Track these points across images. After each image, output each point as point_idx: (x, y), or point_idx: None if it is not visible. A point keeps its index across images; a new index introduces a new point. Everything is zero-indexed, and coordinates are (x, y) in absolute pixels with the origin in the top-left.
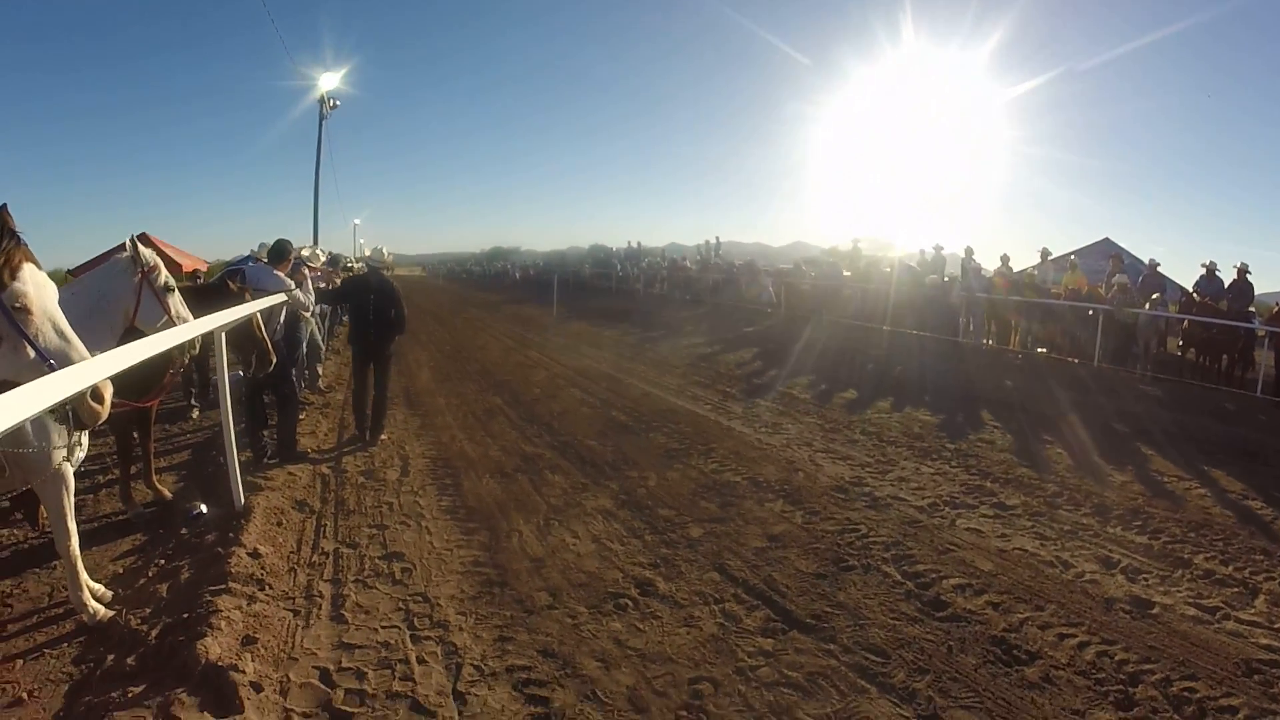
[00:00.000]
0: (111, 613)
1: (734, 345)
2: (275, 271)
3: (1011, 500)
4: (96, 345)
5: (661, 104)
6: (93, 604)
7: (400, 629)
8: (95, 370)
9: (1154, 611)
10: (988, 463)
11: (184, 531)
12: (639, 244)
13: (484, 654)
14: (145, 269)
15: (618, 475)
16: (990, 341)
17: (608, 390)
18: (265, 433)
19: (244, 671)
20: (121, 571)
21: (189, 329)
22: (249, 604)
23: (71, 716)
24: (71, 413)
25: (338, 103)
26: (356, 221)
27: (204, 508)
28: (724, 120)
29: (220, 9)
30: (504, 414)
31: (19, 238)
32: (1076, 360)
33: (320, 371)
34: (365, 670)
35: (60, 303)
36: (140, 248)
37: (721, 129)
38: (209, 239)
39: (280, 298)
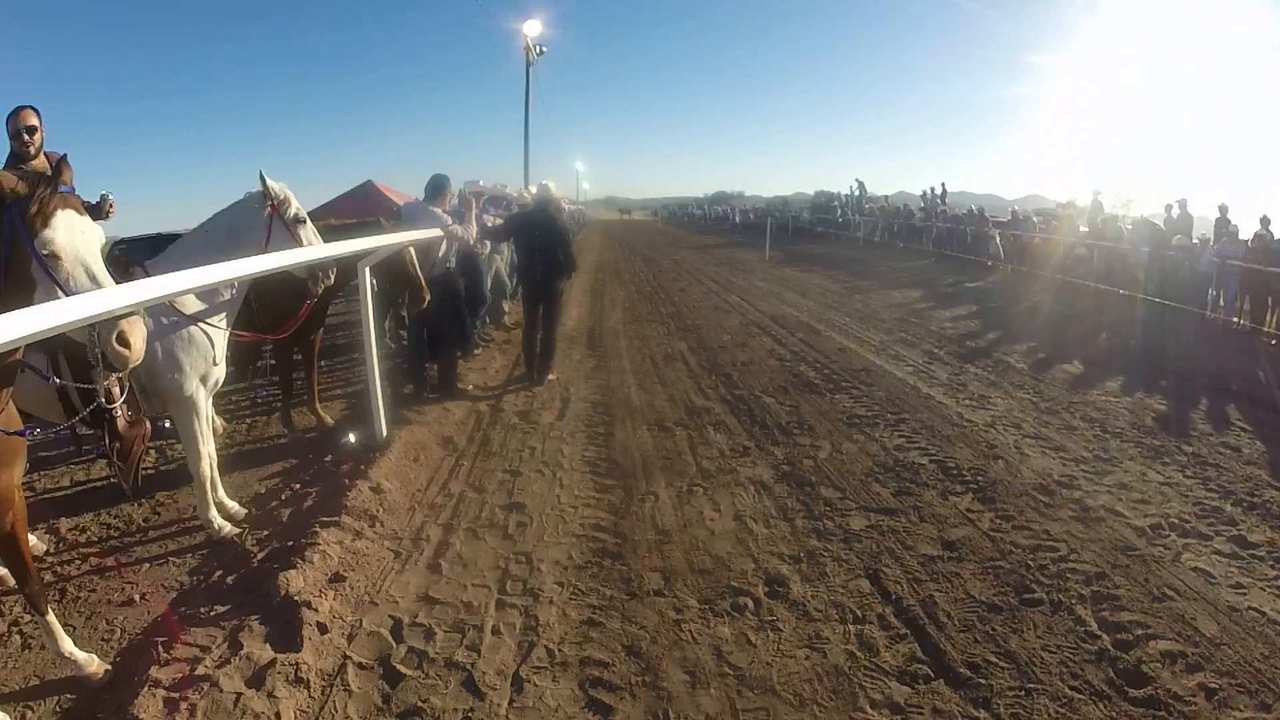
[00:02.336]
0: (237, 531)
1: (950, 301)
2: (431, 208)
3: (1256, 535)
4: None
5: (893, 46)
6: (219, 521)
7: (489, 590)
8: (81, 306)
9: None
10: (1230, 477)
11: (327, 459)
12: (860, 184)
13: (563, 637)
14: (275, 202)
15: (787, 441)
16: (1242, 321)
17: (801, 342)
18: (429, 367)
19: (317, 610)
20: (264, 492)
21: (267, 259)
22: (353, 539)
23: (164, 624)
24: (102, 356)
25: (544, 49)
26: (579, 166)
27: (353, 437)
28: (960, 60)
29: None
30: (684, 361)
31: (58, 186)
32: None
33: (506, 308)
34: (436, 630)
35: (194, 242)
36: (269, 180)
37: (958, 70)
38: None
39: (434, 232)
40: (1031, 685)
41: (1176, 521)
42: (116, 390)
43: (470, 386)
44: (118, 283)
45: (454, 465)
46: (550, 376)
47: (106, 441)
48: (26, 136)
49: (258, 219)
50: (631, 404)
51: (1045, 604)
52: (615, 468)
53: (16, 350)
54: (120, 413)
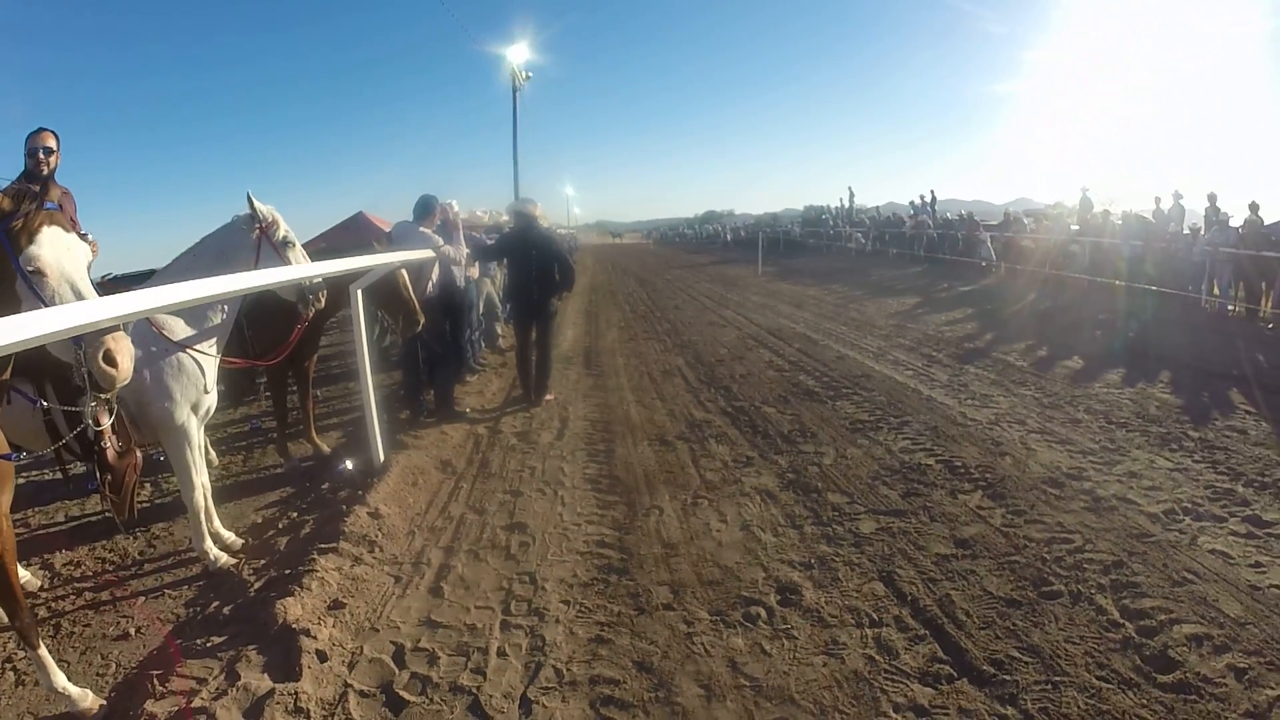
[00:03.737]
0: (233, 561)
1: (946, 305)
2: (421, 229)
3: (1270, 514)
4: (217, 304)
5: (874, 54)
6: (214, 551)
7: (494, 611)
8: (60, 317)
9: None
10: (1239, 459)
11: (324, 487)
12: (851, 192)
13: (571, 656)
14: (263, 224)
15: (790, 449)
16: (1237, 308)
17: (799, 352)
18: (425, 392)
19: (316, 638)
20: (260, 522)
21: (254, 276)
22: (352, 565)
23: (161, 656)
24: (89, 376)
25: (530, 74)
26: (569, 191)
27: (350, 464)
28: (942, 75)
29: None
30: (682, 376)
31: (43, 203)
32: None
33: (500, 331)
34: (440, 655)
35: (182, 265)
36: (257, 203)
37: (939, 84)
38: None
39: (425, 253)
40: (1058, 678)
41: (1189, 506)
42: (105, 417)
43: (468, 410)
44: None
45: (453, 488)
46: (548, 397)
47: (98, 474)
48: (43, 156)
49: (246, 241)
50: (631, 420)
51: (1065, 596)
52: (617, 484)
53: (2, 371)
54: (110, 443)
